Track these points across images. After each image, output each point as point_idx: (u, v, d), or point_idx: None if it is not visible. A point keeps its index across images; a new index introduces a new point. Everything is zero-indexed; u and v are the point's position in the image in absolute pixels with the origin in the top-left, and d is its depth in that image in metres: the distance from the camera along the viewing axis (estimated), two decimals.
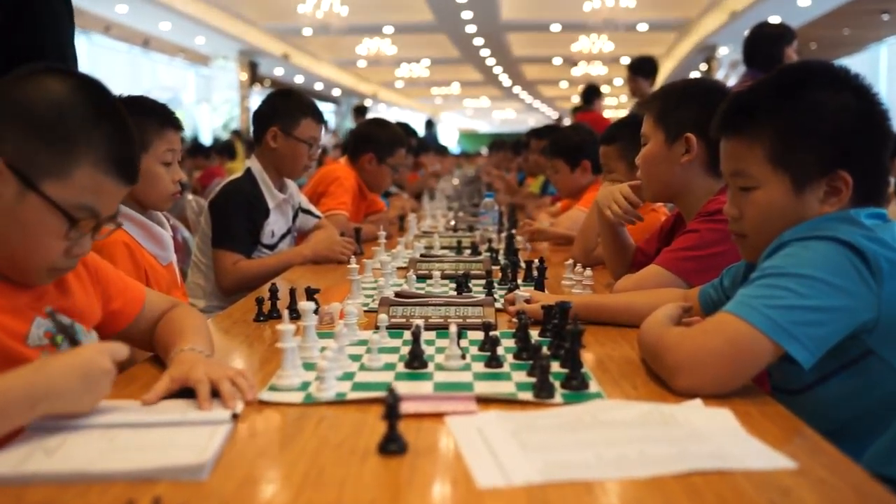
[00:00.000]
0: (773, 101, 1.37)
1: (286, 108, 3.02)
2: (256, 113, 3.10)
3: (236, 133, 14.57)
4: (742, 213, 1.42)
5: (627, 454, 1.01)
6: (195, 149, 10.63)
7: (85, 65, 14.59)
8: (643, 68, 6.54)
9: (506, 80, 24.02)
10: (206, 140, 14.77)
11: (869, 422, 1.30)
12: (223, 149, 11.28)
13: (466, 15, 14.60)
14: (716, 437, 1.07)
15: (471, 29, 15.92)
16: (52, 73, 1.26)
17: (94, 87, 1.27)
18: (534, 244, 3.33)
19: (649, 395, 1.28)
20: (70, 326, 1.34)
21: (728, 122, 1.45)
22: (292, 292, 1.87)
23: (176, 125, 2.14)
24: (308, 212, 3.20)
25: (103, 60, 15.15)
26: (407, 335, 1.55)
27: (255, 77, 18.32)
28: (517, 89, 26.51)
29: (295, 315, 1.77)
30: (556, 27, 15.89)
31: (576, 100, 11.86)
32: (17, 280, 1.27)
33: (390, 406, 1.02)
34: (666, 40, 17.84)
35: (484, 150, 19.03)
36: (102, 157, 1.23)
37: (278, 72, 20.19)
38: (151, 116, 2.07)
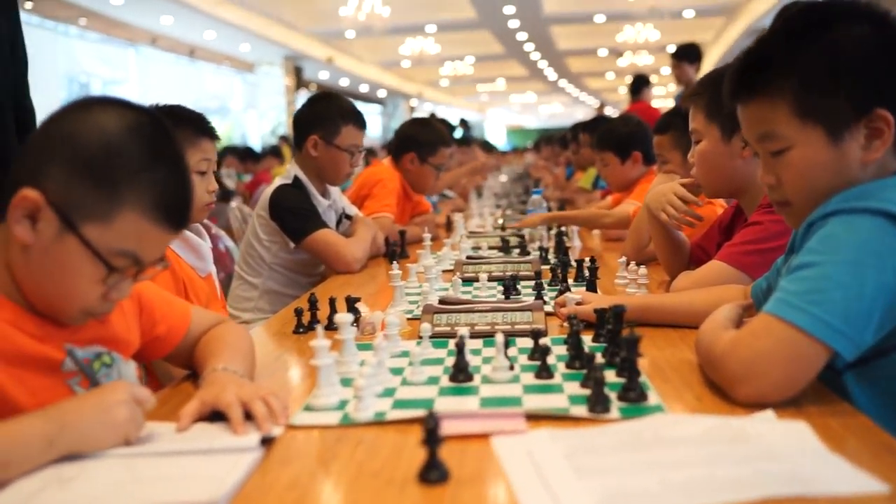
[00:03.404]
0: (787, 51, 1.23)
1: (327, 114, 2.92)
2: (296, 118, 3.01)
3: (283, 138, 14.66)
4: (779, 179, 1.28)
5: (695, 478, 0.91)
6: (245, 154, 10.80)
7: (135, 76, 14.88)
8: (688, 54, 6.47)
9: (551, 74, 23.77)
10: (255, 146, 14.92)
11: None
12: (272, 152, 11.40)
13: (509, 10, 14.46)
14: (793, 455, 0.96)
15: (514, 24, 15.76)
16: (107, 107, 1.16)
17: (151, 127, 1.17)
18: (584, 239, 3.22)
19: (715, 407, 1.17)
20: (89, 366, 1.25)
21: (741, 85, 1.30)
22: (332, 302, 1.79)
23: (211, 134, 2.07)
24: (352, 218, 3.11)
25: (152, 71, 15.35)
26: (452, 344, 1.46)
27: (300, 82, 18.41)
28: (563, 83, 26.21)
29: (333, 326, 1.69)
30: (600, 18, 15.63)
31: (623, 91, 11.66)
32: (51, 317, 1.20)
33: (430, 431, 0.93)
34: (714, 25, 17.44)
35: (529, 146, 18.84)
36: (149, 203, 1.14)
37: (323, 76, 20.26)
38: (186, 125, 2.02)
